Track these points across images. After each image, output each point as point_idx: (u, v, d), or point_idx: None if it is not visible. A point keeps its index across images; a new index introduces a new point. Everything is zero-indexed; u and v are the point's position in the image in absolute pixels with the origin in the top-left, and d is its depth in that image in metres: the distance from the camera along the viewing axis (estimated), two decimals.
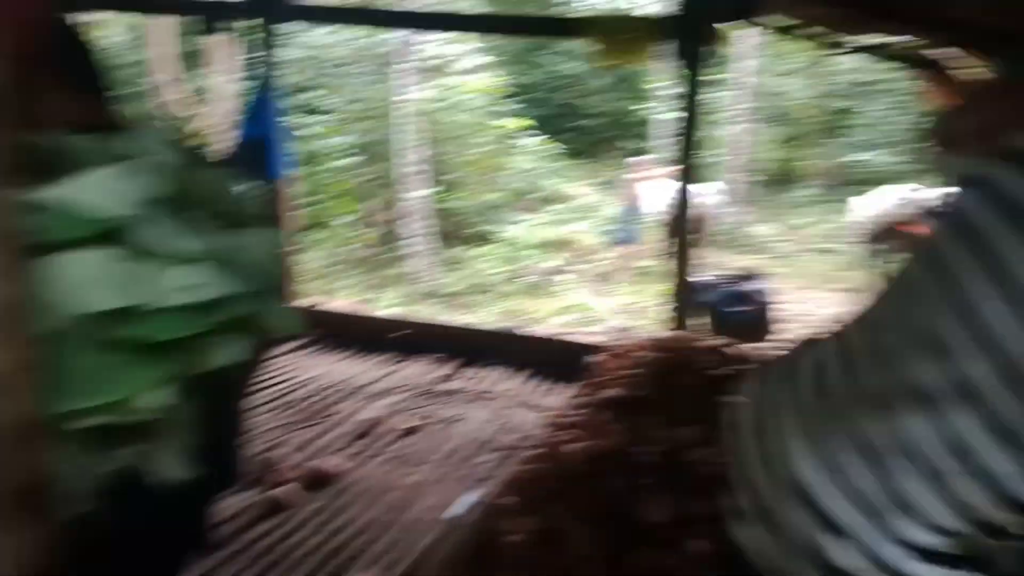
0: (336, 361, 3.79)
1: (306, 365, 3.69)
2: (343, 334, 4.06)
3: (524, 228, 8.90)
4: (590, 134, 15.57)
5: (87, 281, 0.84)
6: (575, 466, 1.49)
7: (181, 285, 0.90)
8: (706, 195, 7.50)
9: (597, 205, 10.83)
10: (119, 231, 0.88)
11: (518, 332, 3.90)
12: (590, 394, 1.82)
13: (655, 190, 6.97)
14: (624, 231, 7.47)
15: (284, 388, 3.29)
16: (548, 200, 10.60)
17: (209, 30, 4.01)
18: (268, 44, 3.63)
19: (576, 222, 9.61)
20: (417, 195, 7.74)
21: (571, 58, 15.30)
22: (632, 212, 7.40)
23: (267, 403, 3.08)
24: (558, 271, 7.79)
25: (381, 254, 8.09)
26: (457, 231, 8.66)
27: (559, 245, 8.58)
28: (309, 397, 3.18)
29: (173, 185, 0.96)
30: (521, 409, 3.08)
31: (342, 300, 5.09)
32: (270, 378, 3.42)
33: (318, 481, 2.39)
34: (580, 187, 11.96)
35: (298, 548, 1.99)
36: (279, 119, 3.77)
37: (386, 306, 6.95)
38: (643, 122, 16.33)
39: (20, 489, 0.78)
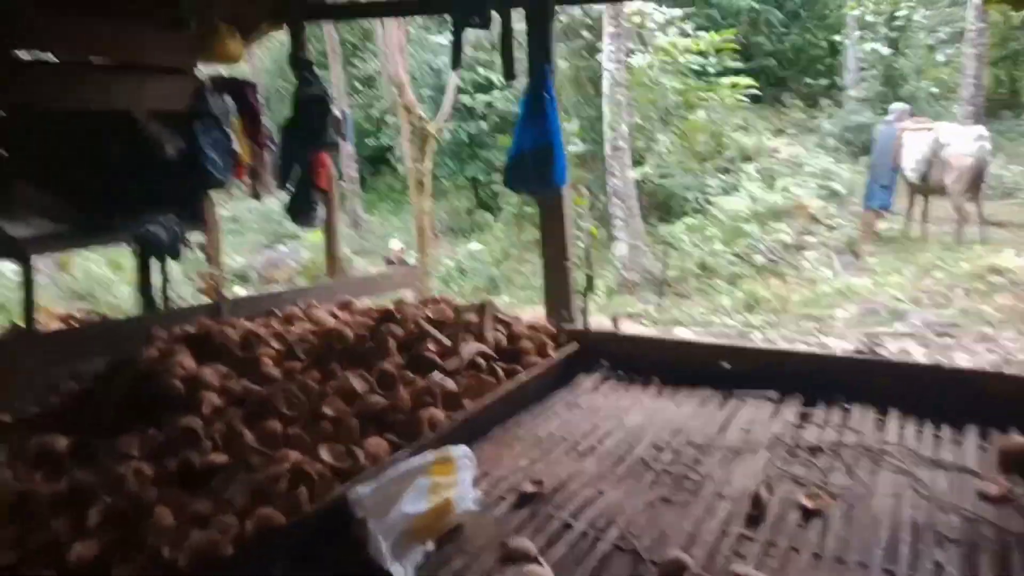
0: (645, 398, 3.28)
1: (612, 405, 3.22)
2: (629, 360, 3.57)
3: (737, 198, 7.98)
4: (768, 74, 14.11)
5: None
6: None
7: None
8: (967, 142, 6.27)
9: (800, 160, 9.68)
10: None
11: (877, 357, 3.21)
12: None
13: (916, 142, 5.90)
14: (883, 192, 6.38)
15: (614, 440, 2.80)
16: (745, 157, 9.59)
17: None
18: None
19: (787, 181, 8.55)
20: (622, 172, 7.11)
21: None
22: (890, 169, 6.29)
23: (612, 462, 2.57)
24: (798, 245, 6.89)
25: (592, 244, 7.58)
26: (663, 207, 7.96)
27: (781, 213, 7.62)
28: (654, 456, 2.68)
29: None
30: (934, 471, 2.43)
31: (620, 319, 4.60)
32: (587, 423, 2.95)
33: None
34: (775, 139, 10.79)
35: None
36: (557, 123, 3.29)
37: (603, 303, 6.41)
38: (832, 54, 14.65)
39: None
